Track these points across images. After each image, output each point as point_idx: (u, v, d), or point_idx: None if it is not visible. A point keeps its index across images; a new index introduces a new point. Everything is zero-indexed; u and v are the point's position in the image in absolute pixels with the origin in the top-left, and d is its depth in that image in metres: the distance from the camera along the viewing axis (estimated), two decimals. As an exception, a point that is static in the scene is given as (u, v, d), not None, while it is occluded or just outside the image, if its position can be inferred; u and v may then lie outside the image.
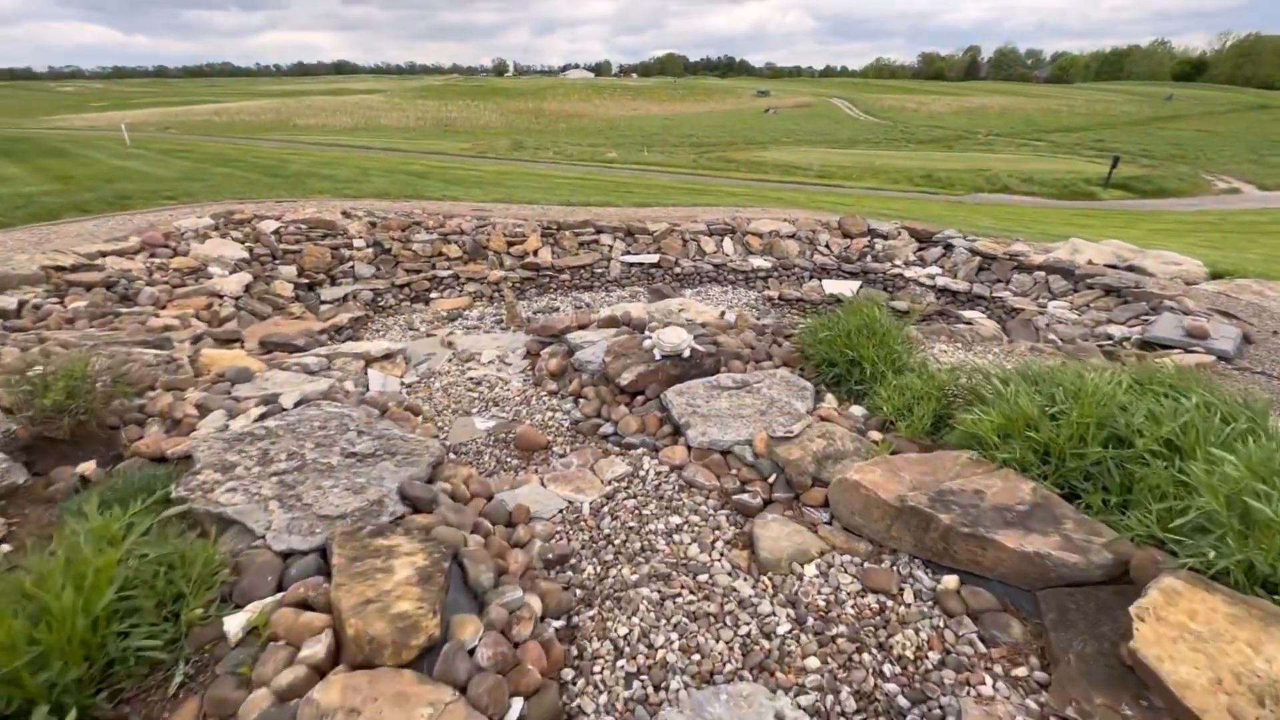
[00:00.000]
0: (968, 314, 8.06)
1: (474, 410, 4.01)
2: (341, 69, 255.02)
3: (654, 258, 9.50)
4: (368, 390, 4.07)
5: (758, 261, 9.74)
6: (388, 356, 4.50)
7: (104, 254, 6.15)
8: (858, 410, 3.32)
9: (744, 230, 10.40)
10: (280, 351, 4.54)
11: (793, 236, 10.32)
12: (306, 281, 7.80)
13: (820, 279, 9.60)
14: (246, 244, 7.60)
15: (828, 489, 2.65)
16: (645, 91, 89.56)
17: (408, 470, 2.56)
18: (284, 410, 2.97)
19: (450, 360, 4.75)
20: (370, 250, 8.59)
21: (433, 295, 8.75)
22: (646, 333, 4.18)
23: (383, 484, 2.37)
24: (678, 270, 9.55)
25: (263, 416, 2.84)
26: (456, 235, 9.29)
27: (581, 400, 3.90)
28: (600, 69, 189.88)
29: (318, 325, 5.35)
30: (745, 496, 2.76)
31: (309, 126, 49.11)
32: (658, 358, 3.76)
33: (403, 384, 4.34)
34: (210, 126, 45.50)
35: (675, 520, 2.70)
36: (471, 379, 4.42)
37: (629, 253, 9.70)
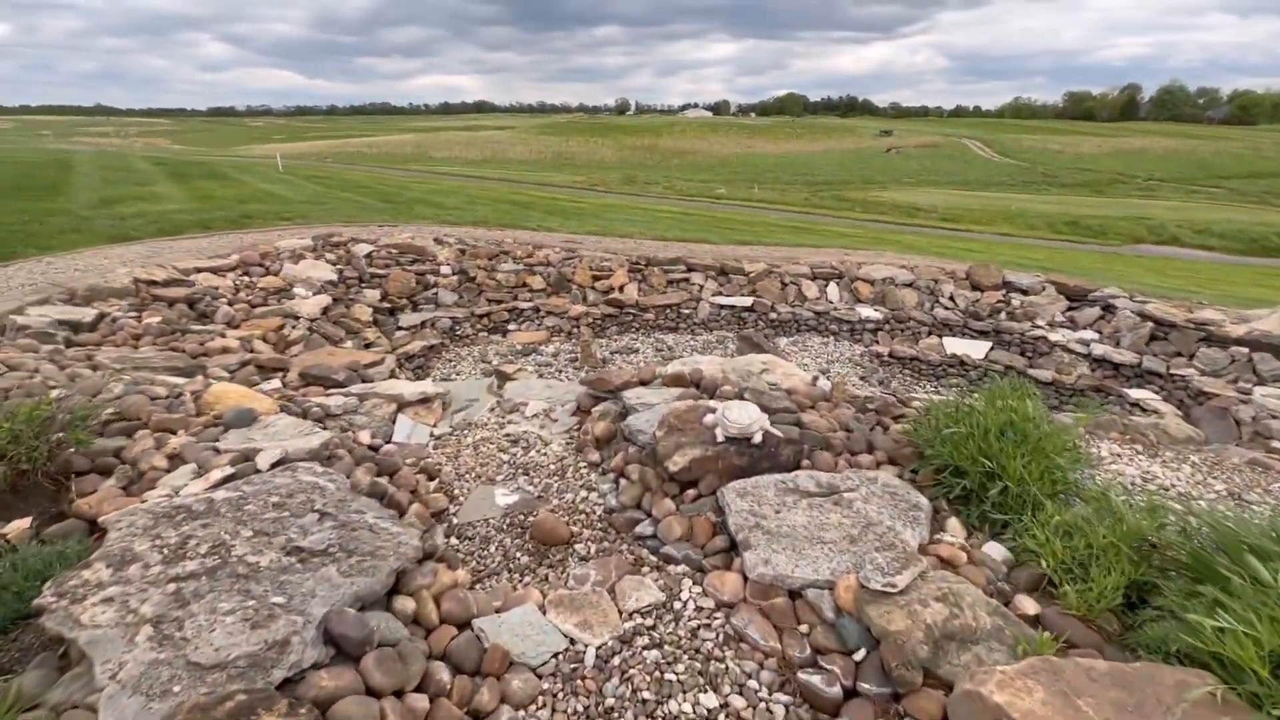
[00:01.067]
0: (1135, 393, 6.49)
1: (500, 477, 3.39)
2: (481, 108, 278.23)
3: (747, 301, 8.66)
4: (389, 440, 3.58)
5: (866, 311, 8.61)
6: (423, 401, 4.03)
7: (199, 270, 6.33)
8: (996, 551, 2.32)
9: (853, 275, 9.31)
10: (317, 385, 4.22)
11: (910, 285, 9.09)
12: (389, 306, 7.75)
13: (941, 335, 8.29)
14: (338, 266, 7.69)
15: (948, 700, 1.71)
16: (761, 130, 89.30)
17: (357, 582, 1.93)
18: (256, 472, 2.49)
19: (493, 409, 4.21)
20: (455, 278, 8.48)
21: (511, 327, 8.45)
22: (711, 403, 3.38)
23: (306, 609, 1.75)
24: (773, 316, 8.64)
25: (222, 481, 2.37)
26: (542, 267, 9.01)
27: (623, 481, 3.16)
28: (719, 108, 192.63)
29: (368, 357, 5.05)
30: (816, 679, 1.87)
31: (442, 159, 53.27)
32: (720, 439, 2.95)
33: (432, 435, 3.83)
34: (360, 157, 50.55)
35: (710, 702, 1.87)
36: (509, 436, 3.83)
37: (720, 294, 8.94)
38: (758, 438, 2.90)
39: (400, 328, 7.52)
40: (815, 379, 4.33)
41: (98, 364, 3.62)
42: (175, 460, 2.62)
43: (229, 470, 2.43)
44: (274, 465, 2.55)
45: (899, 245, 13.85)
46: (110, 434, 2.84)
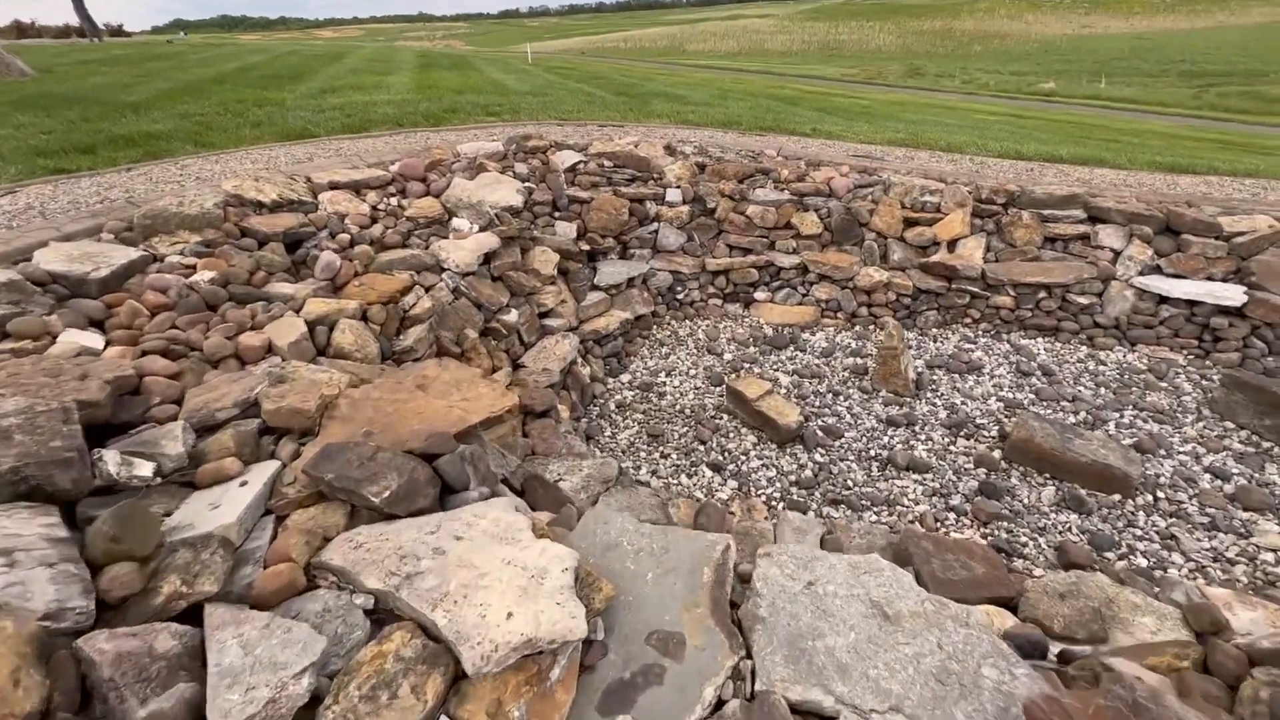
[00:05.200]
0: None
1: None
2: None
3: (1232, 293, 4.34)
4: None
5: None
6: (526, 661, 1.36)
7: (335, 185, 4.43)
8: None
9: None
10: (338, 502, 1.81)
11: None
12: (587, 249, 5.26)
13: None
14: (528, 183, 5.35)
15: None
16: (1106, 2, 66.87)
17: None
18: None
19: None
20: (686, 208, 5.64)
21: (759, 295, 5.43)
22: None
23: None
24: (1297, 334, 4.24)
25: None
26: (819, 198, 5.67)
27: None
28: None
29: (484, 404, 2.47)
30: None
31: (696, 51, 49.42)
32: None
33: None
34: (614, 52, 49.22)
35: None
36: None
37: (1158, 269, 4.72)
38: None
39: (596, 286, 5.02)
40: None
41: None
42: None
43: None
44: None
45: None
46: None
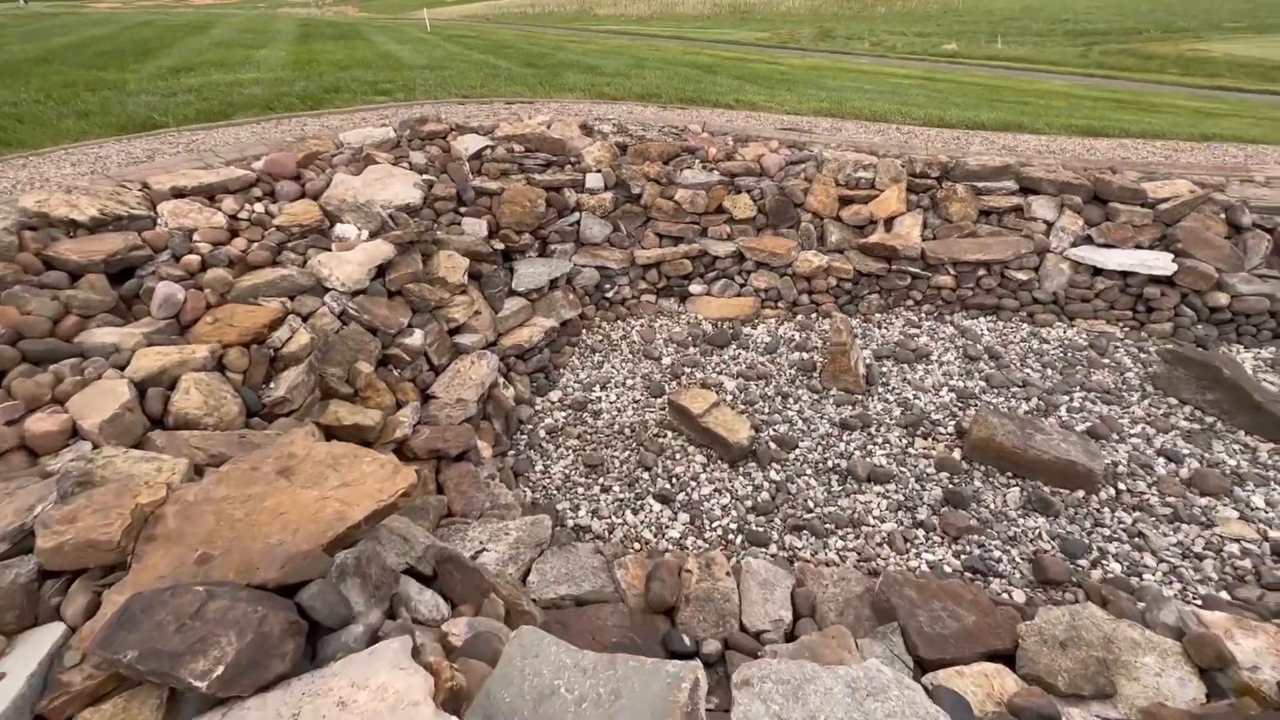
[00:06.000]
0: None
1: None
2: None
3: (1162, 261, 4.31)
4: None
5: None
6: None
7: (180, 192, 3.63)
8: None
9: None
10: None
11: None
12: (501, 248, 4.67)
13: None
14: (427, 175, 4.68)
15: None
16: (997, -37, 69.74)
17: None
18: None
19: None
20: (609, 195, 5.12)
21: (694, 288, 5.04)
22: None
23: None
24: (1219, 300, 4.25)
25: None
26: (750, 178, 5.30)
27: None
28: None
29: (360, 498, 1.95)
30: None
31: (606, 16, 47.85)
32: None
33: None
34: (520, 17, 46.91)
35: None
36: None
37: (1089, 239, 4.66)
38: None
39: (515, 291, 4.45)
40: None
41: None
42: None
43: None
44: None
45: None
46: None
